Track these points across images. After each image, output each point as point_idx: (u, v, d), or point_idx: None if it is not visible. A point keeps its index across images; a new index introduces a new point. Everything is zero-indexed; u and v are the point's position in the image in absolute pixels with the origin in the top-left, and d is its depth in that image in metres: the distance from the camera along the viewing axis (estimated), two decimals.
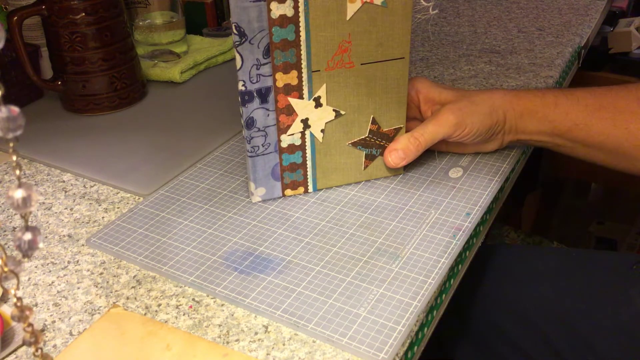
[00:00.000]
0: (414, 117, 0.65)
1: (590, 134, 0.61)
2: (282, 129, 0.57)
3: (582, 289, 0.73)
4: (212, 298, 0.51)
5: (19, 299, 0.32)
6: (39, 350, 0.34)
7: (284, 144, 0.58)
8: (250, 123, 0.56)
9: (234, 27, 0.51)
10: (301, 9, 0.51)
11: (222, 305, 0.50)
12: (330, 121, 0.58)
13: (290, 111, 0.56)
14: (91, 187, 0.66)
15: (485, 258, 0.80)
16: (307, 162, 0.59)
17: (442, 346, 0.83)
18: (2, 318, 0.47)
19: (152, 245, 0.56)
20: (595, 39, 1.34)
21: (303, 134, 0.58)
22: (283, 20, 0.51)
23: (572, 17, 1.03)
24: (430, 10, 0.62)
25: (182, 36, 0.91)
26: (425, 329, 0.50)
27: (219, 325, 0.48)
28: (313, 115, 0.57)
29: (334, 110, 0.57)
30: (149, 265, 0.54)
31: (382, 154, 0.61)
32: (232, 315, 0.49)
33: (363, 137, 0.60)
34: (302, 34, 0.52)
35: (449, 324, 0.66)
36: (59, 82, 0.79)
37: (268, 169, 0.59)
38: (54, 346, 0.47)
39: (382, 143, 0.61)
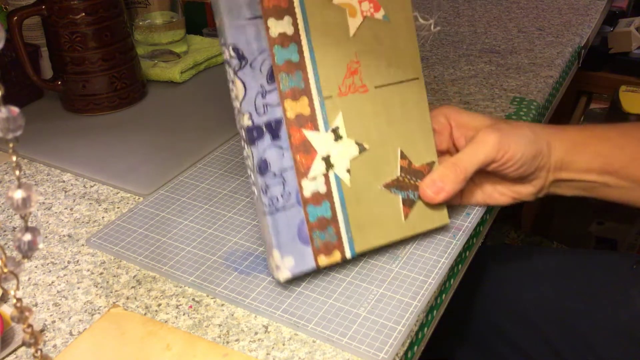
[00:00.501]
0: (447, 150, 0.57)
1: None
2: (302, 172, 0.49)
3: (582, 289, 0.73)
4: (212, 298, 0.51)
5: (19, 299, 0.32)
6: (39, 352, 0.34)
7: (306, 192, 0.49)
8: (264, 167, 0.48)
9: (231, 50, 0.46)
10: (301, 25, 0.48)
11: (222, 305, 0.50)
12: (355, 158, 0.50)
13: (307, 148, 0.49)
14: (91, 187, 0.66)
15: (486, 258, 0.80)
16: (338, 216, 0.50)
17: (442, 346, 0.83)
18: (1, 318, 0.47)
19: (152, 245, 0.56)
20: (595, 39, 1.34)
21: (327, 177, 0.49)
22: (283, 39, 0.47)
23: (572, 17, 1.03)
24: (432, 27, 0.60)
25: (182, 36, 0.91)
26: (426, 328, 0.50)
27: (219, 325, 0.48)
28: (334, 151, 0.49)
29: (356, 143, 0.50)
30: (149, 265, 0.54)
31: (420, 195, 0.53)
32: (232, 315, 0.49)
33: (395, 177, 0.52)
34: (307, 54, 0.48)
35: (449, 324, 0.66)
36: (59, 82, 0.79)
37: (293, 229, 0.49)
38: (54, 346, 0.47)
39: (417, 183, 0.52)
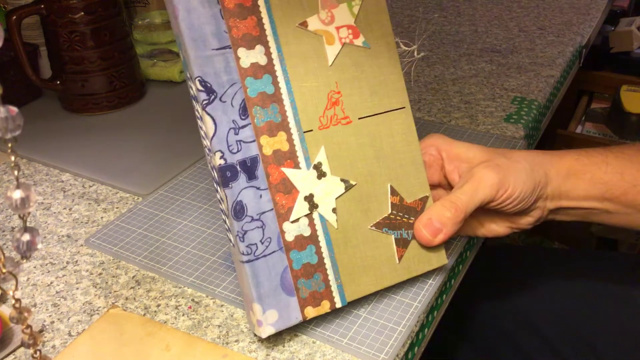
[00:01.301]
0: (438, 184, 0.54)
1: None
2: (283, 215, 0.44)
3: (583, 289, 0.73)
4: (211, 299, 0.51)
5: (18, 300, 0.32)
6: (38, 352, 0.34)
7: (289, 237, 0.44)
8: (240, 211, 0.43)
9: (198, 83, 0.42)
10: (274, 55, 0.44)
11: (222, 305, 0.50)
12: (340, 196, 0.46)
13: (288, 187, 0.44)
14: (90, 187, 0.66)
15: (486, 258, 0.80)
16: (325, 261, 0.45)
17: (443, 347, 0.83)
18: (0, 319, 0.47)
19: (152, 245, 0.56)
20: (596, 38, 1.34)
21: (311, 218, 0.45)
22: (256, 69, 0.43)
23: (573, 16, 1.03)
24: (415, 54, 0.56)
25: None
26: (426, 329, 0.50)
27: (219, 326, 0.48)
28: (318, 189, 0.45)
29: (342, 180, 0.46)
30: (148, 266, 0.54)
31: (415, 236, 0.49)
32: (232, 315, 0.49)
33: (386, 214, 0.48)
34: (282, 85, 0.44)
35: (449, 325, 0.66)
36: (58, 82, 0.79)
37: (275, 278, 0.44)
38: (53, 347, 0.47)
39: (411, 221, 0.49)
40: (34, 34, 0.87)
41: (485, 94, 0.80)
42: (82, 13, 0.74)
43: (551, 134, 1.39)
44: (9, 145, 0.28)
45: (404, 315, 0.47)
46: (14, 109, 0.27)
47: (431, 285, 0.50)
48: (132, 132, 0.76)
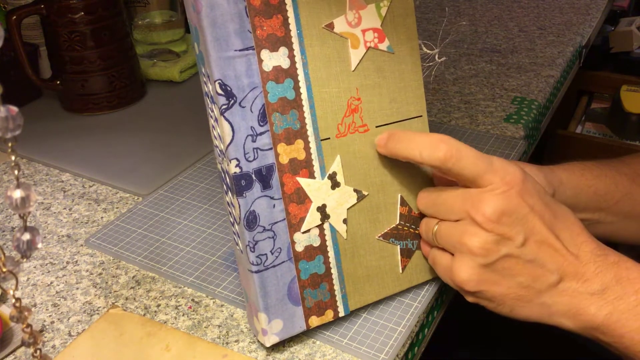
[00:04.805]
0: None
1: (635, 205, 0.55)
2: (295, 225, 0.43)
3: None
4: (211, 298, 0.51)
5: (18, 299, 0.32)
6: (38, 351, 0.34)
7: (299, 247, 0.44)
8: (252, 221, 0.42)
9: (217, 87, 0.40)
10: (297, 58, 0.42)
11: (222, 305, 0.50)
12: (352, 206, 0.45)
13: (301, 197, 0.43)
14: (90, 187, 0.66)
15: None
16: (332, 271, 0.45)
17: (443, 347, 0.83)
18: (0, 318, 0.47)
19: (152, 245, 0.56)
20: (596, 38, 1.34)
21: (322, 228, 0.44)
22: (278, 73, 0.41)
23: (573, 17, 1.03)
24: (437, 57, 0.55)
25: (182, 35, 0.91)
26: (426, 329, 0.50)
27: (219, 326, 0.48)
28: (331, 200, 0.44)
29: (354, 190, 0.45)
30: (148, 266, 0.54)
31: (419, 246, 0.48)
32: (232, 315, 0.49)
33: (394, 225, 0.47)
34: (303, 90, 0.42)
35: (448, 325, 0.66)
36: (58, 82, 0.79)
37: (283, 288, 0.44)
38: (53, 347, 0.47)
39: (417, 231, 0.48)
40: (34, 34, 0.87)
41: (485, 94, 0.80)
42: (82, 13, 0.74)
43: (551, 134, 1.39)
44: (9, 145, 0.28)
45: (404, 316, 0.47)
46: (14, 109, 0.27)
47: (431, 285, 0.50)
48: (132, 132, 0.76)
